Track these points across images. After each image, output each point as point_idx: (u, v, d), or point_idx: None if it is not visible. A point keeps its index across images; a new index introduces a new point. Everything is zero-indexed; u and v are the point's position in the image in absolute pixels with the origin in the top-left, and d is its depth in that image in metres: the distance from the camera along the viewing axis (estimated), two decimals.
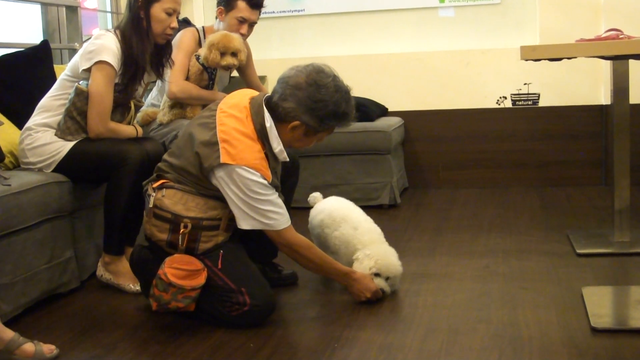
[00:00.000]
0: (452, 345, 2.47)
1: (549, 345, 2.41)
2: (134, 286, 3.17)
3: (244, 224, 2.69)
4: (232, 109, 2.72)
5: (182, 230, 2.70)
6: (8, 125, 3.48)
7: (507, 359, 2.33)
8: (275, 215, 2.69)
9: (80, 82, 3.18)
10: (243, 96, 2.79)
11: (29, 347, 2.49)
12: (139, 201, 2.94)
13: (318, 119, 2.69)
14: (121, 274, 3.21)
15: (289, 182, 3.15)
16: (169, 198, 2.73)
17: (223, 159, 2.61)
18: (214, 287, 2.71)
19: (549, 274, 3.19)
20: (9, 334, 2.50)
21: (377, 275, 2.92)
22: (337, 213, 3.16)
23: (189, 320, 2.76)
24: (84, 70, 3.18)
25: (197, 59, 3.75)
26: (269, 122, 2.69)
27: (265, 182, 2.65)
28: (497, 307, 2.80)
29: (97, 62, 3.14)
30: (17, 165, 3.37)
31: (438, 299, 2.93)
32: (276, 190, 2.73)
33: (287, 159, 2.80)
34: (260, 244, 2.85)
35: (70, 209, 3.22)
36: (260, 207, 2.65)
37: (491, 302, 2.87)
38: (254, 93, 2.86)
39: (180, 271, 2.64)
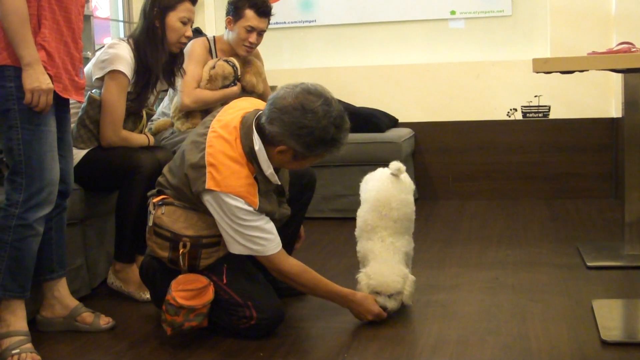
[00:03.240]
0: (461, 357, 2.47)
1: (558, 357, 2.41)
2: (144, 294, 3.18)
3: (232, 248, 2.66)
4: (223, 129, 2.63)
5: (181, 251, 2.67)
6: None
7: None
8: (263, 241, 2.63)
9: (93, 91, 3.21)
10: (237, 112, 2.70)
11: (88, 316, 2.86)
12: None
13: (305, 145, 2.55)
14: (132, 281, 3.22)
15: (305, 196, 3.14)
16: (168, 216, 2.70)
17: (208, 184, 2.56)
18: (221, 300, 2.71)
19: (558, 286, 3.19)
20: (74, 302, 2.88)
21: (378, 293, 2.80)
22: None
23: (199, 329, 2.77)
24: (97, 79, 3.20)
25: (227, 61, 3.87)
26: (257, 144, 2.59)
27: (250, 208, 2.59)
28: (506, 319, 2.80)
29: (110, 71, 3.16)
30: None
31: (447, 311, 2.93)
32: (269, 215, 2.66)
33: (279, 182, 2.71)
34: None
35: (81, 217, 3.23)
36: (247, 233, 2.61)
37: (500, 314, 2.86)
38: (254, 103, 2.81)
39: (188, 292, 2.63)
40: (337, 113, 2.56)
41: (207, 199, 2.61)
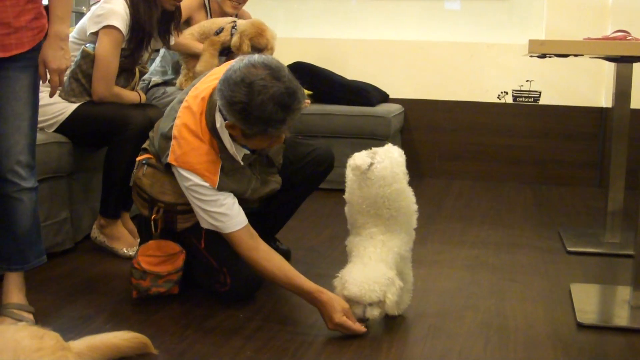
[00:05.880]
0: (439, 329, 2.50)
1: (534, 337, 2.45)
2: (127, 250, 3.19)
3: (201, 222, 2.58)
4: (193, 101, 2.54)
5: (153, 216, 2.65)
6: None
7: (492, 346, 2.36)
8: (222, 217, 2.51)
9: (87, 45, 3.19)
10: (213, 82, 2.54)
11: (6, 321, 2.42)
12: None
13: (242, 120, 2.33)
14: (115, 237, 3.23)
15: (317, 181, 3.04)
16: (148, 178, 2.66)
17: (170, 158, 2.52)
18: (200, 263, 2.71)
19: (538, 268, 3.23)
20: (11, 299, 2.48)
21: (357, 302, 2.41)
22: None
23: (181, 288, 2.78)
24: (91, 33, 3.18)
25: (217, 33, 3.80)
26: (219, 122, 2.46)
27: (207, 185, 2.49)
28: (485, 297, 2.83)
29: (105, 26, 3.14)
30: None
31: (427, 285, 2.96)
32: (238, 195, 2.56)
33: (242, 163, 2.55)
34: (259, 218, 2.77)
35: (68, 170, 3.23)
36: (206, 208, 2.52)
37: (480, 292, 2.90)
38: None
39: (154, 258, 2.63)
40: (282, 90, 2.29)
41: (173, 170, 2.57)
